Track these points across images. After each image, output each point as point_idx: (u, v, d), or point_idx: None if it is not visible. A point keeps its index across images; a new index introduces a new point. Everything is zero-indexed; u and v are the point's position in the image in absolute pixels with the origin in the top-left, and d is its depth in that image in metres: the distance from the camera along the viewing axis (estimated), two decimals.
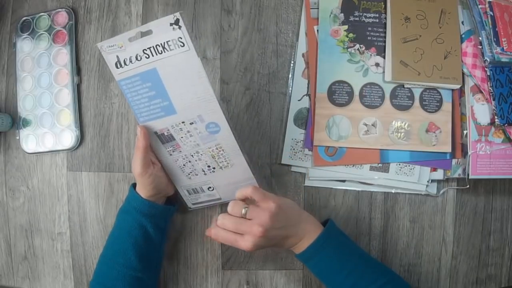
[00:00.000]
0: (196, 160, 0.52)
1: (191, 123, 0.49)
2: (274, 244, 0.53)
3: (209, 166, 0.53)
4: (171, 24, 0.45)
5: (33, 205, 0.67)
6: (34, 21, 0.66)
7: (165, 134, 0.50)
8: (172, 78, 0.47)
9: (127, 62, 0.47)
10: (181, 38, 0.46)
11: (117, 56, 0.47)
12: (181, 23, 0.45)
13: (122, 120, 0.66)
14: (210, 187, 0.54)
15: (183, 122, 0.49)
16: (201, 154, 0.51)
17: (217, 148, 0.51)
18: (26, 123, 0.66)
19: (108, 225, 0.66)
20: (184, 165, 0.52)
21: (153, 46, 0.46)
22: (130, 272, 0.54)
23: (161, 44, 0.46)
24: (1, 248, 0.68)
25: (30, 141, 0.66)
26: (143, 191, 0.55)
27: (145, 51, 0.46)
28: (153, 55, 0.46)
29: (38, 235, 0.67)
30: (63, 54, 0.65)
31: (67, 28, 0.65)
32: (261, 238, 0.49)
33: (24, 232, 0.67)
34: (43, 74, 0.66)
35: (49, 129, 0.66)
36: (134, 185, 0.58)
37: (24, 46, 0.66)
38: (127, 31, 0.46)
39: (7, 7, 0.68)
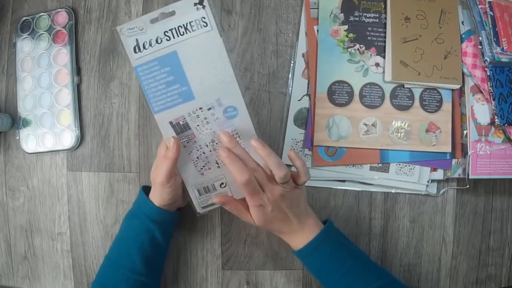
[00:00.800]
0: (210, 151, 0.50)
1: (209, 109, 0.48)
2: (273, 221, 0.52)
3: None
4: (195, 4, 0.45)
5: (33, 205, 0.67)
6: (34, 21, 0.66)
7: (181, 123, 0.48)
8: (192, 60, 0.47)
9: (147, 46, 0.46)
10: (204, 18, 0.45)
11: (137, 40, 0.46)
12: (205, 2, 0.45)
13: (122, 120, 0.66)
14: (222, 183, 0.52)
15: (200, 108, 0.48)
16: (216, 143, 0.50)
17: (233, 135, 0.50)
18: (26, 123, 0.66)
19: (108, 225, 0.66)
20: (197, 157, 0.51)
21: (175, 28, 0.46)
22: (135, 276, 0.54)
23: (183, 25, 0.46)
24: (1, 248, 0.68)
25: (30, 141, 0.66)
26: (158, 199, 0.54)
27: (166, 33, 0.46)
28: (174, 37, 0.46)
29: (38, 235, 0.67)
30: (63, 54, 0.65)
31: (67, 28, 0.65)
32: (274, 202, 0.50)
33: (24, 232, 0.67)
34: (43, 74, 0.66)
35: (49, 129, 0.66)
36: (144, 189, 0.57)
37: (24, 46, 0.66)
38: (149, 13, 0.46)
39: (7, 7, 0.68)
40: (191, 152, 0.51)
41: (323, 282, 0.55)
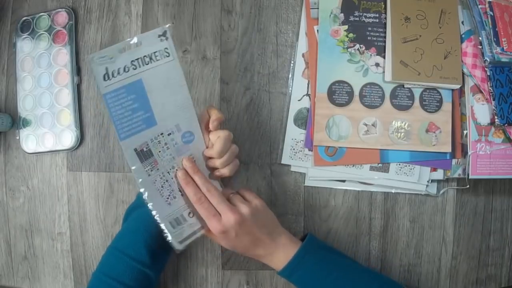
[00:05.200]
0: (172, 178, 0.53)
1: (169, 134, 0.52)
2: (244, 245, 0.52)
3: None
4: (159, 36, 0.49)
5: (33, 205, 0.67)
6: (34, 21, 0.66)
7: (144, 150, 0.51)
8: (156, 88, 0.50)
9: (115, 74, 0.49)
10: (167, 49, 0.49)
11: (106, 68, 0.48)
12: (168, 34, 0.49)
13: None
14: (190, 213, 0.55)
15: (161, 134, 0.51)
16: (176, 170, 0.53)
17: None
18: (26, 123, 0.66)
19: (108, 225, 0.66)
20: (162, 186, 0.53)
21: (141, 57, 0.49)
22: (139, 266, 0.54)
23: (148, 55, 0.49)
24: (1, 248, 0.68)
25: (30, 141, 0.66)
26: None
27: (133, 62, 0.49)
28: (140, 66, 0.49)
29: (38, 235, 0.67)
30: (63, 54, 0.65)
31: (67, 28, 0.65)
32: (234, 226, 0.50)
33: (24, 232, 0.67)
34: (43, 74, 0.66)
35: (49, 129, 0.66)
36: None
37: (24, 46, 0.66)
38: (117, 43, 0.48)
39: (7, 7, 0.68)
40: (156, 181, 0.53)
41: None
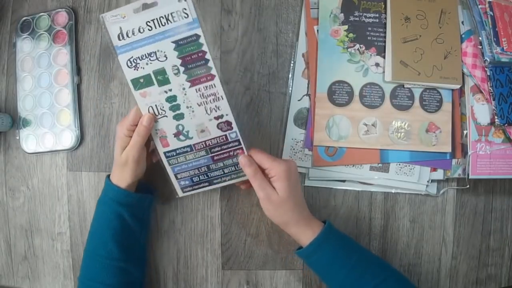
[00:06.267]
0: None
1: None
2: (286, 210, 0.53)
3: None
4: None
5: (33, 205, 0.67)
6: (34, 21, 0.66)
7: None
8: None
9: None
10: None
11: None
12: None
13: None
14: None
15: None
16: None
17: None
18: (26, 123, 0.66)
19: None
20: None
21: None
22: (113, 262, 0.55)
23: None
24: (1, 248, 0.68)
25: (30, 141, 0.66)
26: (127, 177, 0.54)
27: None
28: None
29: (38, 235, 0.67)
30: (63, 54, 0.65)
31: (67, 28, 0.65)
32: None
33: (24, 232, 0.67)
34: (43, 74, 0.66)
35: (49, 129, 0.66)
36: (108, 176, 0.57)
37: (24, 46, 0.66)
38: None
39: (7, 7, 0.68)
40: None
41: (329, 280, 0.55)
